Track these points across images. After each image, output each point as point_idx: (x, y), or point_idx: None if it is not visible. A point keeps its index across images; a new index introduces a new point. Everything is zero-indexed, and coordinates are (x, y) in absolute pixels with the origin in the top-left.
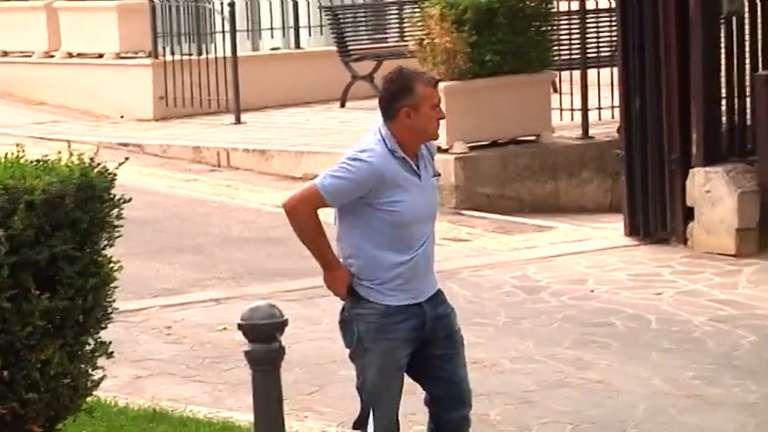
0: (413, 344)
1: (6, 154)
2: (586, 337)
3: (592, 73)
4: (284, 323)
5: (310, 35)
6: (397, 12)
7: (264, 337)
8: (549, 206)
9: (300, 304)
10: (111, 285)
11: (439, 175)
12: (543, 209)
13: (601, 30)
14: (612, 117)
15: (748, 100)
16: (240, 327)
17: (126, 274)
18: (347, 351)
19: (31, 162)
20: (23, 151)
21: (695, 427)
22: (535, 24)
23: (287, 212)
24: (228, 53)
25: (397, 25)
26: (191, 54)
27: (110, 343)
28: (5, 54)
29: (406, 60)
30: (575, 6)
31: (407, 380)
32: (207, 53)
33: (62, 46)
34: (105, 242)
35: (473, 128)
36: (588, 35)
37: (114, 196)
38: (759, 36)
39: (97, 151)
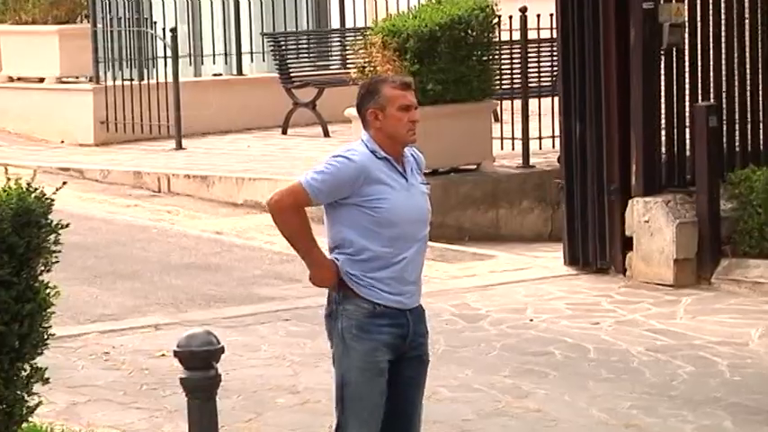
0: (393, 352)
1: None
2: (525, 366)
3: (533, 102)
4: (221, 350)
5: (252, 61)
6: (339, 39)
7: (201, 364)
8: (490, 235)
9: (239, 331)
10: (49, 311)
11: (428, 184)
12: (484, 237)
13: (542, 59)
14: (553, 146)
15: (687, 131)
16: (176, 354)
17: (64, 299)
18: (330, 352)
19: None
20: None
21: None
22: (477, 53)
23: (271, 209)
24: (170, 78)
25: (340, 53)
26: (132, 79)
27: (46, 369)
28: None
29: (349, 88)
30: (516, 36)
31: None
32: (148, 78)
33: (2, 70)
34: (43, 267)
35: None
36: (530, 65)
37: (52, 221)
38: (698, 67)
39: (34, 175)
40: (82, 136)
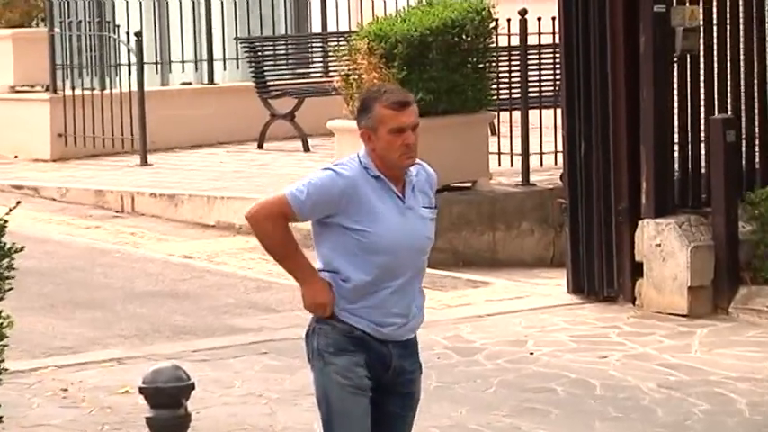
0: (374, 375)
1: None
2: (525, 404)
3: (533, 114)
4: (191, 387)
5: (225, 69)
6: (321, 44)
7: (168, 401)
8: (486, 259)
9: (211, 365)
10: (0, 343)
11: (435, 207)
12: (479, 262)
13: (544, 67)
14: (555, 163)
15: (703, 146)
16: (142, 390)
17: (18, 330)
18: (311, 382)
19: None
20: None
21: None
22: (472, 61)
23: (250, 220)
24: (135, 88)
25: (321, 59)
26: (93, 88)
27: None
28: None
29: (331, 98)
30: (515, 42)
31: None
32: (111, 88)
33: None
34: None
35: None
36: (530, 73)
37: (5, 245)
38: (715, 76)
39: None
40: (38, 151)
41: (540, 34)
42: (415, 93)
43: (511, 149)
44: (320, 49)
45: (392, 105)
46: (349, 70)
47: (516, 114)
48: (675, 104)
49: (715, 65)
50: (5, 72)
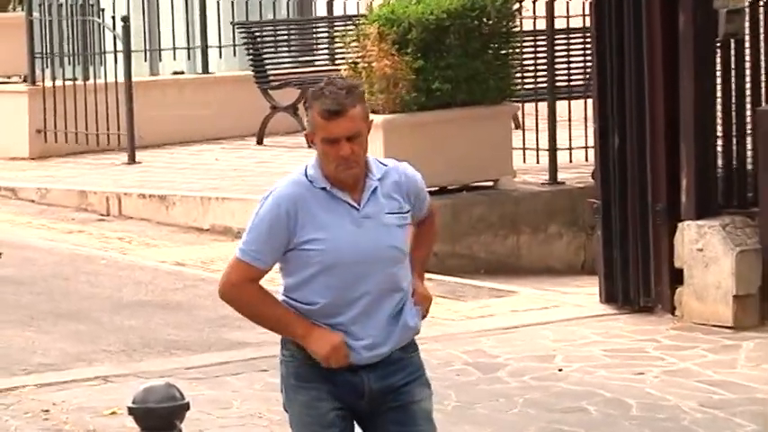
0: (346, 404)
1: None
2: (554, 426)
3: (561, 105)
4: (185, 407)
5: (221, 57)
6: (326, 29)
7: (160, 423)
8: (510, 266)
9: (206, 384)
10: None
11: (408, 211)
12: (502, 269)
13: (572, 54)
14: (586, 159)
15: (749, 139)
16: (131, 411)
17: None
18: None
19: None
20: None
21: None
22: (494, 46)
23: (223, 299)
24: (121, 78)
25: (327, 46)
26: (76, 79)
27: None
28: None
29: None
30: (541, 26)
31: None
32: (95, 78)
33: None
34: None
35: (417, 171)
36: (557, 60)
37: None
38: (762, 63)
39: None
40: (14, 148)
41: (568, 17)
42: (430, 82)
43: (537, 144)
44: (326, 35)
45: (322, 113)
46: (357, 58)
47: (543, 106)
48: (719, 93)
49: (762, 50)
50: None
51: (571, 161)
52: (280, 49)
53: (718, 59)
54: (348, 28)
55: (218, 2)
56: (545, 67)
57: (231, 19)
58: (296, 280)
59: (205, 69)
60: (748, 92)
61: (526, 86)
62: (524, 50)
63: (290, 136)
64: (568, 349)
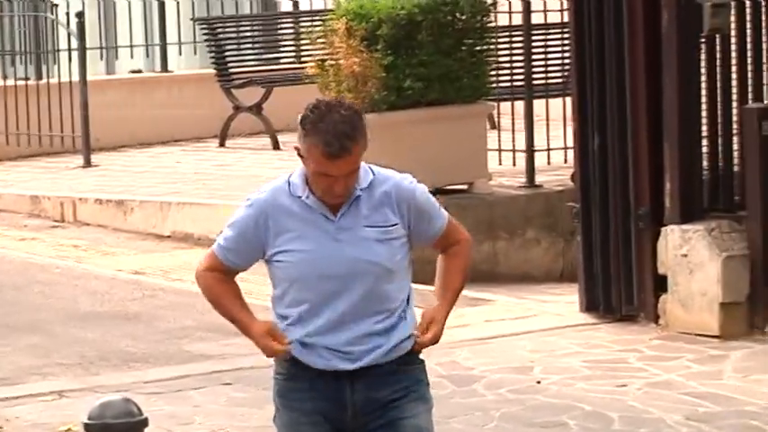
0: (330, 423)
1: None
2: None
3: (539, 104)
4: (143, 423)
5: (181, 55)
6: (292, 25)
7: None
8: (486, 273)
9: (166, 398)
10: None
11: (395, 225)
12: (478, 277)
13: (550, 50)
14: (565, 161)
15: (736, 140)
16: (87, 427)
17: None
18: None
19: None
20: None
21: None
22: (468, 43)
23: (196, 281)
24: (76, 77)
25: (293, 43)
26: (27, 78)
27: None
28: None
29: (304, 87)
30: (517, 21)
31: None
32: (48, 77)
33: None
34: None
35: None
36: (534, 57)
37: None
38: (748, 59)
39: None
40: None
41: (545, 11)
42: (401, 80)
43: (513, 145)
44: (291, 31)
45: (324, 152)
46: (325, 55)
47: (519, 105)
48: (703, 92)
49: (749, 46)
50: None
51: (549, 163)
52: (243, 46)
53: (703, 56)
54: (315, 24)
55: None
56: (521, 64)
57: (191, 15)
58: (276, 292)
59: (164, 68)
60: (734, 90)
61: (502, 84)
62: (500, 47)
63: (254, 137)
64: (547, 360)
